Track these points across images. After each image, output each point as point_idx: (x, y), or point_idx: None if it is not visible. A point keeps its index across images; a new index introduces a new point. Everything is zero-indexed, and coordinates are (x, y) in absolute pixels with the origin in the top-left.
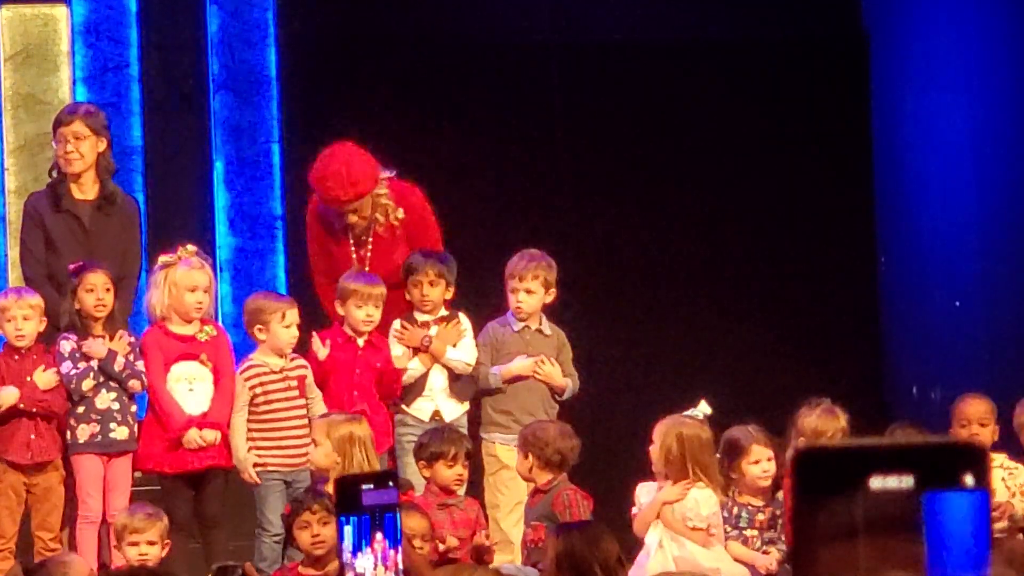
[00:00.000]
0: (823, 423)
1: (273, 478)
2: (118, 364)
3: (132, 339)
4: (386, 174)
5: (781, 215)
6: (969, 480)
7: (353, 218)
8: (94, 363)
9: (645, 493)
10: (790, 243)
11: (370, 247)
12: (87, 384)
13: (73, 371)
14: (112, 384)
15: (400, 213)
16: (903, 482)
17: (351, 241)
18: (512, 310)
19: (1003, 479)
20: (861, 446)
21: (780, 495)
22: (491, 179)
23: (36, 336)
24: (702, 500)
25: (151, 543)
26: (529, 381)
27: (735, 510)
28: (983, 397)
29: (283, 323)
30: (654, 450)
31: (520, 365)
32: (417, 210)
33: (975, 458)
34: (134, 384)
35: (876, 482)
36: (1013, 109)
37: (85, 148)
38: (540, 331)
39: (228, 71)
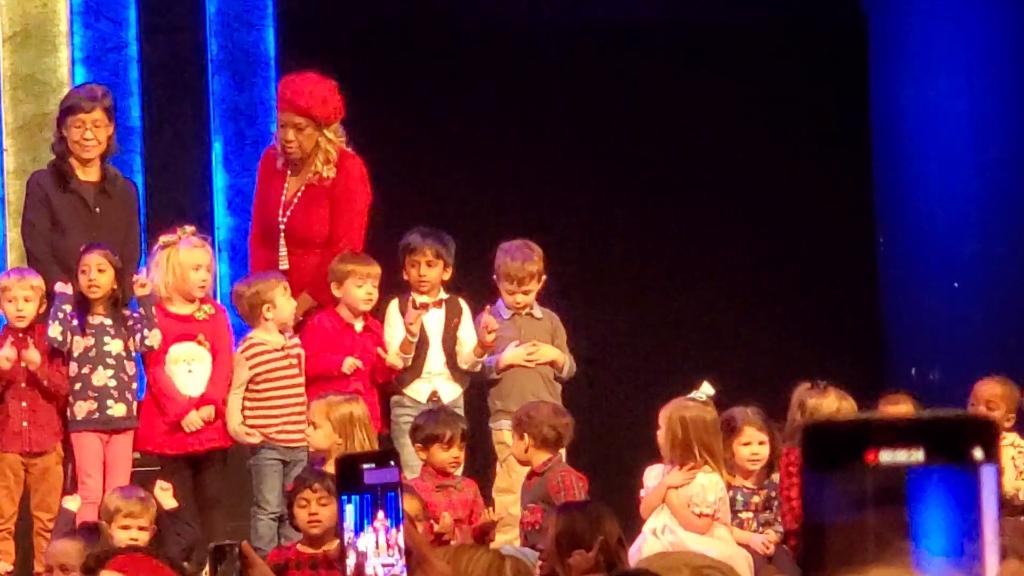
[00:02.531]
0: (827, 404)
1: (271, 457)
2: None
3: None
4: (344, 141)
5: (781, 198)
6: (978, 454)
7: (290, 134)
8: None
9: (653, 476)
10: (790, 226)
11: (299, 195)
12: (54, 330)
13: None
14: (109, 361)
15: (331, 171)
16: (912, 456)
17: (284, 186)
18: (510, 306)
19: (1013, 458)
20: (870, 420)
21: (775, 477)
22: (491, 162)
23: (36, 316)
24: (708, 486)
25: (142, 528)
26: (531, 369)
27: (730, 493)
28: (999, 380)
29: (285, 295)
30: (660, 434)
31: (512, 354)
32: (351, 178)
33: (984, 431)
34: (153, 335)
35: (885, 456)
36: (1012, 92)
37: (102, 135)
38: (531, 315)
39: (227, 52)
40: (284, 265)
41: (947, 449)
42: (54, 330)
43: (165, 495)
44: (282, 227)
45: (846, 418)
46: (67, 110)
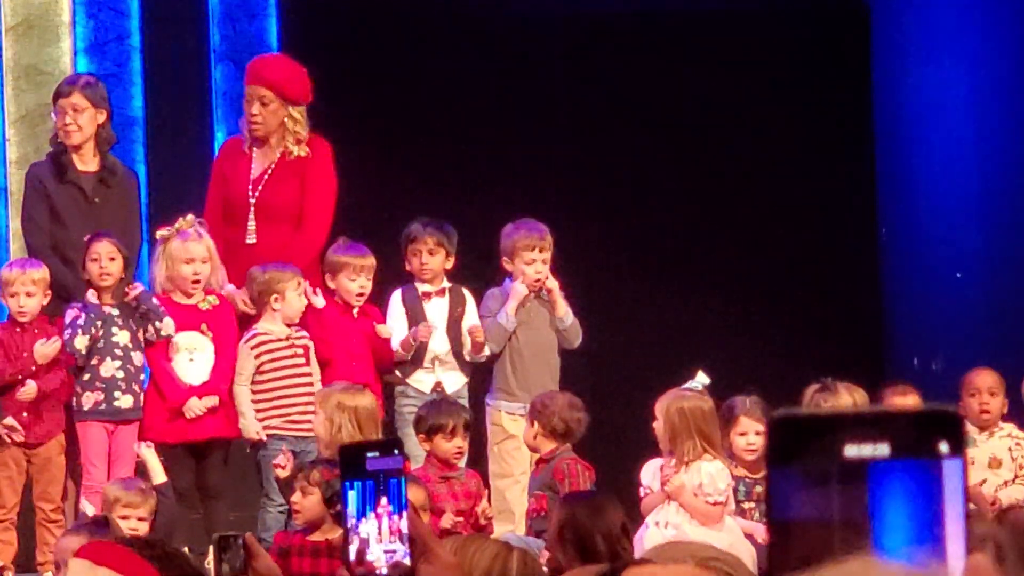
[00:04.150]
0: (842, 402)
1: (280, 449)
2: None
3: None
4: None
5: (782, 188)
6: (944, 448)
7: (255, 108)
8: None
9: (650, 473)
10: (791, 216)
11: (269, 171)
12: (80, 342)
13: (68, 330)
14: (117, 352)
15: (303, 151)
16: (878, 450)
17: (251, 164)
18: (530, 283)
19: (1010, 448)
20: (835, 413)
21: None
22: (492, 151)
23: (39, 309)
24: (716, 474)
25: (141, 519)
26: (535, 353)
27: (732, 483)
28: (990, 369)
29: (298, 291)
30: (658, 426)
31: (517, 291)
32: (323, 161)
33: (951, 425)
34: (166, 324)
35: (851, 450)
36: (1015, 79)
37: (84, 120)
38: (539, 298)
39: (229, 42)
40: (251, 239)
41: (912, 443)
42: (80, 342)
43: (149, 452)
44: (252, 202)
45: (811, 412)
46: (52, 99)
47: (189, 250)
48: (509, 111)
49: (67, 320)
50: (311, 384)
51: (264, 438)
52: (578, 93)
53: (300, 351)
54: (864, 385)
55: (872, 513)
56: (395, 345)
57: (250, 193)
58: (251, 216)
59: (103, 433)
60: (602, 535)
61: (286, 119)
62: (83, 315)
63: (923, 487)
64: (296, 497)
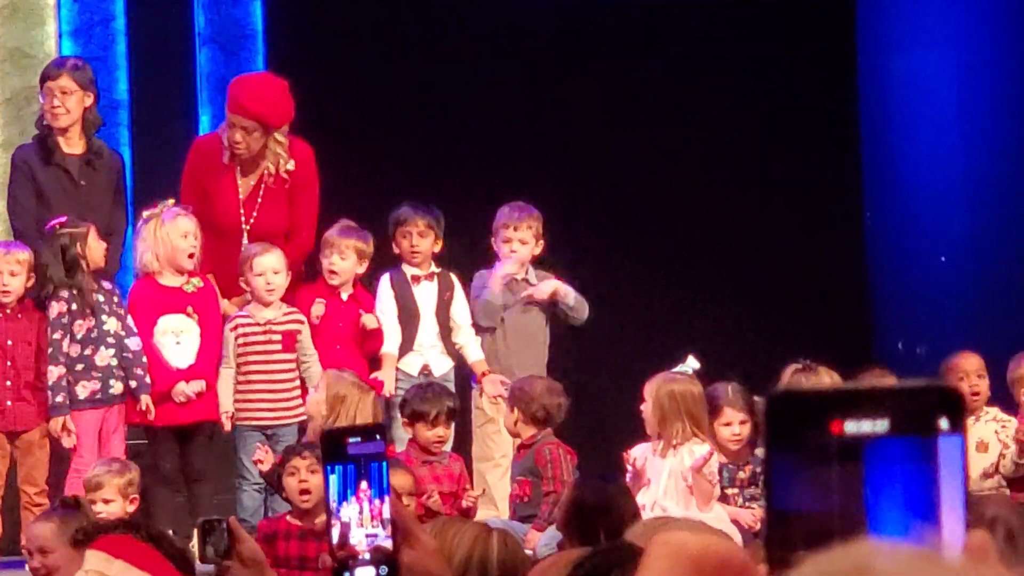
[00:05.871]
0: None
1: (251, 427)
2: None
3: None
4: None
5: (768, 173)
6: (944, 424)
7: (238, 136)
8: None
9: (638, 456)
10: (777, 200)
11: (260, 197)
12: (74, 350)
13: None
14: (110, 341)
15: (291, 164)
16: (877, 426)
17: (238, 185)
18: (506, 260)
19: (996, 432)
20: (834, 390)
21: (760, 452)
22: (480, 134)
23: (23, 291)
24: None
25: (107, 501)
26: (521, 336)
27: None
28: (975, 352)
29: (253, 273)
30: (646, 409)
31: (504, 270)
32: (307, 167)
33: (951, 402)
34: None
35: (850, 426)
36: (999, 66)
37: (71, 103)
38: (527, 281)
39: (214, 25)
40: None
41: (912, 419)
42: (57, 335)
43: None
44: (246, 228)
45: (809, 389)
46: (40, 81)
47: (182, 225)
48: (498, 94)
49: (51, 315)
50: (285, 372)
51: (228, 426)
52: (566, 78)
53: (277, 337)
54: (850, 369)
55: (871, 491)
56: (384, 323)
57: (243, 220)
58: (244, 240)
59: (96, 420)
60: (607, 522)
61: (269, 142)
62: (66, 324)
63: (922, 464)
64: (304, 475)
